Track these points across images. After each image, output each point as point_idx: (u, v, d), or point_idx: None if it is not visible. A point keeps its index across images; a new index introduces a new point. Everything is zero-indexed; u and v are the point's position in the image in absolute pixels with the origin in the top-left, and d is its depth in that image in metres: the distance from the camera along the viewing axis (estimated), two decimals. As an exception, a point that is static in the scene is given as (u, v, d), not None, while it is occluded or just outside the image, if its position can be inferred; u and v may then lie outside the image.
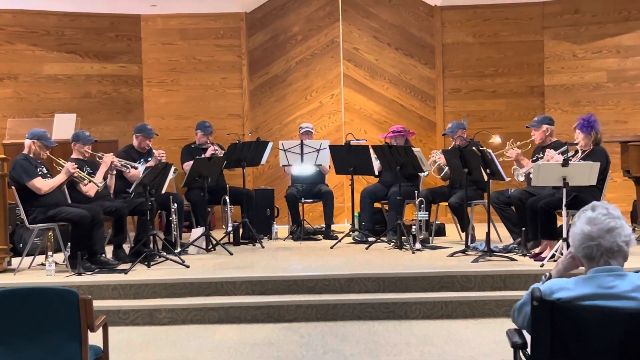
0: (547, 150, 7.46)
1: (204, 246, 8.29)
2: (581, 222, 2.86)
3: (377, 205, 9.26)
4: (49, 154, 7.49)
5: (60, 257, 7.54)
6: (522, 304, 2.96)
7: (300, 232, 9.13)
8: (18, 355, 3.55)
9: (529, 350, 2.89)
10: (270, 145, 9.18)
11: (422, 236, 8.19)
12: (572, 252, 2.99)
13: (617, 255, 2.82)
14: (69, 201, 7.62)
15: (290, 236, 9.31)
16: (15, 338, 3.55)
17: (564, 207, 6.84)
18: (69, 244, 7.31)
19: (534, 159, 7.74)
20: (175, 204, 8.23)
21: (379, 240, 8.39)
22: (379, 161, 8.68)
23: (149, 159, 8.36)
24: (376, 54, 10.88)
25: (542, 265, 6.81)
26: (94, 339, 3.80)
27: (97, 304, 3.74)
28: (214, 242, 8.36)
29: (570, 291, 2.78)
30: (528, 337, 2.96)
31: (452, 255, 7.58)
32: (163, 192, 7.94)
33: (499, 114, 10.76)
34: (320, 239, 9.16)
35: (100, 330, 3.90)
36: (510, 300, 6.25)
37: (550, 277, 3.01)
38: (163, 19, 10.80)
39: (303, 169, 9.21)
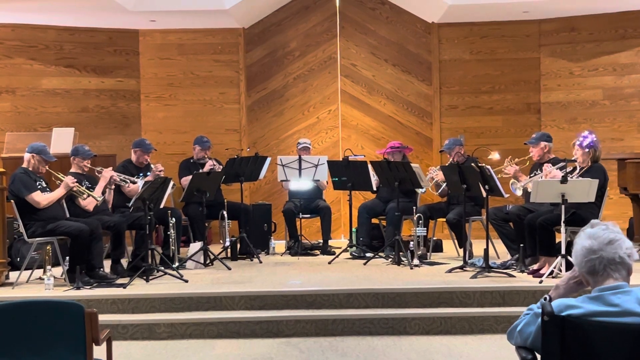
0: (545, 164, 7.49)
1: (201, 261, 8.28)
2: (581, 239, 2.90)
3: (374, 220, 9.27)
4: (48, 168, 7.49)
5: (58, 271, 7.54)
6: (525, 324, 2.97)
7: (297, 248, 9.14)
8: (23, 368, 3.55)
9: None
10: (268, 160, 9.20)
11: (419, 252, 8.21)
12: (574, 275, 3.01)
13: (620, 268, 2.84)
14: (68, 215, 7.62)
15: (288, 251, 9.31)
16: (21, 351, 3.55)
17: (562, 224, 6.86)
18: (68, 258, 7.30)
19: (531, 175, 7.76)
20: (174, 219, 8.22)
21: (376, 256, 8.41)
22: (376, 177, 8.71)
23: (148, 173, 8.35)
24: (373, 70, 10.92)
25: (540, 282, 6.82)
26: (98, 353, 3.79)
27: (97, 318, 3.72)
28: (212, 256, 8.36)
29: (579, 309, 2.80)
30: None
31: (450, 271, 7.59)
32: (161, 206, 7.94)
33: (496, 131, 10.81)
34: (318, 254, 9.17)
35: (104, 344, 3.89)
36: (509, 317, 6.27)
37: (550, 299, 3.01)
38: (161, 34, 10.83)
39: (301, 184, 9.22)
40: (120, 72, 10.74)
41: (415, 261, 8.03)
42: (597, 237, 2.85)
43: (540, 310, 2.86)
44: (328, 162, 9.05)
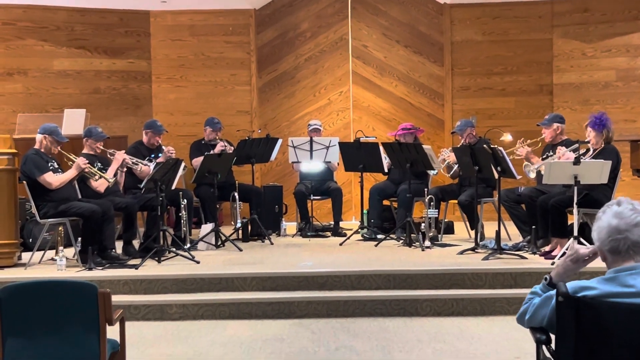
0: (559, 147, 7.45)
1: (213, 242, 8.30)
2: (607, 216, 2.85)
3: (386, 202, 9.26)
4: (59, 149, 7.50)
5: (70, 252, 7.57)
6: (539, 306, 2.95)
7: (308, 229, 9.14)
8: (37, 347, 3.56)
9: (552, 345, 2.90)
10: (279, 142, 9.19)
11: (431, 234, 8.19)
12: (570, 253, 2.99)
13: None
14: (80, 196, 7.63)
15: (299, 233, 9.32)
16: (35, 331, 3.56)
17: (575, 206, 6.83)
18: (80, 239, 7.32)
19: (544, 157, 7.73)
20: (185, 200, 8.24)
21: (388, 238, 8.40)
22: (388, 159, 8.68)
23: (159, 155, 8.36)
24: (385, 52, 10.87)
25: (552, 264, 6.80)
26: (111, 333, 3.80)
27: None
28: (223, 238, 8.38)
29: (594, 290, 2.78)
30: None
31: (462, 252, 7.58)
32: (173, 188, 7.94)
33: (508, 112, 10.76)
34: (329, 236, 9.16)
35: (117, 324, 3.90)
36: (521, 298, 6.14)
37: (550, 280, 3.00)
38: (172, 15, 10.80)
39: (312, 165, 9.22)
40: (132, 54, 10.73)
41: (427, 243, 8.02)
42: (624, 217, 2.81)
43: (550, 293, 2.86)
44: (339, 143, 9.03)
